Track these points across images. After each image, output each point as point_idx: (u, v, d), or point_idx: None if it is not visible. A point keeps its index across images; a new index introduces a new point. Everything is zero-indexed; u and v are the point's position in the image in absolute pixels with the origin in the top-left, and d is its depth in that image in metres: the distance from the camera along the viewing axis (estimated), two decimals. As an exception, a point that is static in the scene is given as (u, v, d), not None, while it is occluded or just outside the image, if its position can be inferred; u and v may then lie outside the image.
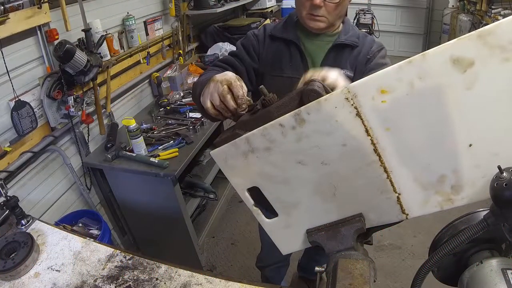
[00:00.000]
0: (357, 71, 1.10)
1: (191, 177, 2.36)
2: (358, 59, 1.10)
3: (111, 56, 2.04)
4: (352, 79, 1.03)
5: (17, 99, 1.51)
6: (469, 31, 3.24)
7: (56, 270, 0.96)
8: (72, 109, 1.71)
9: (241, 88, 0.75)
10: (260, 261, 1.79)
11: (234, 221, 2.63)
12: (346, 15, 1.17)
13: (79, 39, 1.78)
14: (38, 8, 1.52)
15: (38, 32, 1.61)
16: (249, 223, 2.54)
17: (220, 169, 0.74)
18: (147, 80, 2.54)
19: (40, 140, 1.67)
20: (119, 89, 2.20)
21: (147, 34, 2.43)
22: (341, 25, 1.15)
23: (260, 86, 0.70)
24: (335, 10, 1.03)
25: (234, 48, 3.07)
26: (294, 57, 1.12)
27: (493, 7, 3.30)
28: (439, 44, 0.51)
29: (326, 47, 1.11)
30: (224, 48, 2.86)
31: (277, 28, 1.17)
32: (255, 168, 0.68)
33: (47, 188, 1.75)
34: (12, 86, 1.49)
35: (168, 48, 2.68)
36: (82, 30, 1.77)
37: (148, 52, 2.39)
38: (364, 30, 4.74)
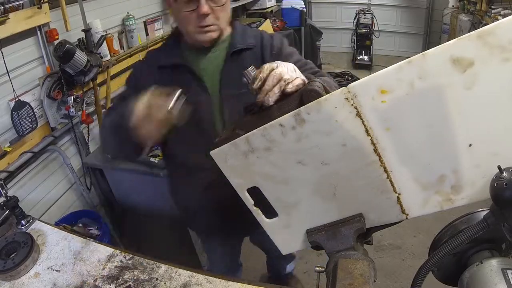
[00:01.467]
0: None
1: (191, 177, 2.35)
2: (263, 59, 1.00)
3: (111, 56, 2.04)
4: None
5: (17, 99, 1.51)
6: (469, 31, 3.23)
7: (56, 270, 0.96)
8: (72, 109, 1.71)
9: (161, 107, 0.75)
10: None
11: (234, 221, 2.63)
12: (232, 15, 1.06)
13: (79, 39, 1.78)
14: (38, 8, 1.52)
15: (38, 32, 1.61)
16: (249, 223, 2.53)
17: (220, 169, 0.74)
18: (147, 80, 2.54)
19: (40, 140, 1.67)
20: (119, 89, 2.20)
21: (147, 34, 2.43)
22: (229, 28, 1.05)
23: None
24: (223, 13, 0.96)
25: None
26: (187, 82, 0.97)
27: (493, 7, 3.30)
28: (439, 44, 0.51)
29: (221, 59, 1.00)
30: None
31: (160, 55, 1.05)
32: (255, 168, 0.68)
33: (47, 188, 1.75)
34: (12, 86, 1.49)
35: (168, 48, 2.68)
36: (82, 30, 1.77)
37: (148, 52, 2.39)
38: (364, 30, 4.77)
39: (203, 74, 1.00)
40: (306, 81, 0.70)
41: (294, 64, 0.76)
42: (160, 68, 1.01)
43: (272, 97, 0.67)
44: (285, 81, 0.67)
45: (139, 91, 0.88)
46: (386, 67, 0.55)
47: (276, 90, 0.67)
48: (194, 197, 1.15)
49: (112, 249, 1.01)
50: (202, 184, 1.07)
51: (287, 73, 0.69)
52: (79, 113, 1.78)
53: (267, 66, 0.70)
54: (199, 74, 1.00)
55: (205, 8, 0.90)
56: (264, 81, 0.68)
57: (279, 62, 0.72)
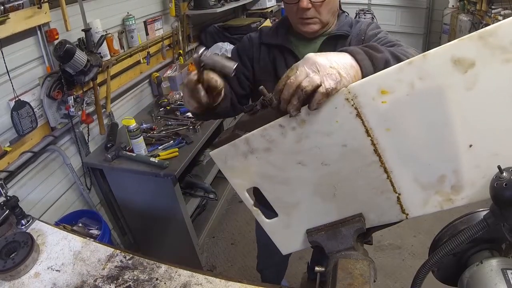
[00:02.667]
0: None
1: (191, 177, 2.35)
2: (352, 45, 1.00)
3: (111, 56, 2.04)
4: None
5: (17, 99, 1.51)
6: (469, 31, 3.24)
7: (56, 270, 0.96)
8: (72, 109, 1.71)
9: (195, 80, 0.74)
10: (259, 264, 1.79)
11: (234, 221, 2.63)
12: (340, 9, 1.10)
13: (79, 39, 1.78)
14: (38, 8, 1.52)
15: (38, 32, 1.61)
16: (249, 223, 2.54)
17: (220, 169, 0.74)
18: (147, 80, 2.54)
19: (40, 140, 1.67)
20: (119, 89, 2.20)
21: (147, 34, 2.43)
22: (335, 21, 1.07)
23: (260, 87, 0.70)
24: (325, 7, 0.98)
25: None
26: (289, 64, 1.02)
27: (493, 7, 3.29)
28: (439, 44, 0.52)
29: (319, 44, 1.06)
30: (224, 48, 2.85)
31: (269, 34, 1.13)
32: (255, 169, 0.68)
33: (47, 188, 1.75)
34: (12, 86, 1.49)
35: (168, 48, 2.68)
36: (82, 30, 1.77)
37: (148, 52, 2.39)
38: (364, 30, 4.76)
39: (301, 56, 1.04)
40: (329, 82, 0.58)
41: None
42: (263, 44, 1.11)
43: (292, 109, 0.59)
44: (302, 89, 0.57)
45: (242, 59, 1.11)
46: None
47: (295, 101, 0.59)
48: None
49: (112, 249, 1.01)
50: None
51: (307, 77, 0.58)
52: (79, 113, 1.77)
53: (286, 73, 0.61)
54: (299, 57, 1.01)
55: (304, 3, 0.94)
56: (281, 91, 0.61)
57: (302, 63, 0.61)
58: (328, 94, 0.57)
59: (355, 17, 4.91)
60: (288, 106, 0.60)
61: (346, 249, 0.68)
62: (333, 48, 0.98)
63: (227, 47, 2.87)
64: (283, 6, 3.92)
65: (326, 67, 0.58)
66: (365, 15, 4.76)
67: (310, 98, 0.58)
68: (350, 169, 0.63)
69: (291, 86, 0.58)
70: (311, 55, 0.60)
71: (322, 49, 1.05)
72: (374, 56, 0.65)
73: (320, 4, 0.96)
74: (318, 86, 0.56)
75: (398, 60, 0.67)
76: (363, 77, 0.61)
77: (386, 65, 0.65)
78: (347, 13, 1.13)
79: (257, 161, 0.67)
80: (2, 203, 1.10)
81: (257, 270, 1.82)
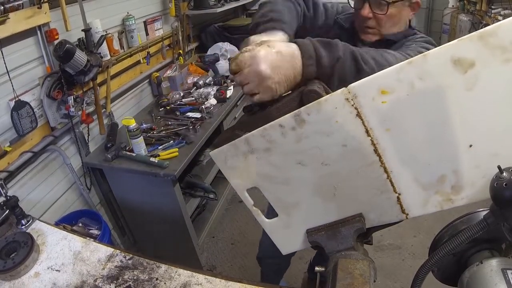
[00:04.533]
0: None
1: (191, 177, 2.35)
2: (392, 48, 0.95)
3: (111, 56, 2.04)
4: None
5: (17, 99, 1.51)
6: (469, 31, 3.24)
7: (56, 270, 0.96)
8: (72, 109, 1.71)
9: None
10: (260, 252, 1.72)
11: (234, 221, 2.63)
12: (409, 26, 1.03)
13: (79, 39, 1.78)
14: (38, 8, 1.52)
15: (38, 32, 1.61)
16: (249, 223, 2.54)
17: (220, 169, 0.74)
18: (147, 80, 2.54)
19: (40, 140, 1.67)
20: (119, 89, 2.20)
21: (147, 34, 2.43)
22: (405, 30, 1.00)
23: None
24: (388, 21, 0.94)
25: (234, 48, 3.05)
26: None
27: (493, 7, 3.29)
28: (439, 44, 0.51)
29: None
30: (224, 48, 2.86)
31: (345, 16, 1.09)
32: (255, 169, 0.68)
33: (47, 188, 1.75)
34: (12, 86, 1.49)
35: (168, 48, 2.68)
36: (82, 30, 1.77)
37: (148, 52, 2.39)
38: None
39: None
40: (264, 96, 0.65)
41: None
42: (339, 23, 1.07)
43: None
44: (241, 87, 0.66)
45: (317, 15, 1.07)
46: (386, 67, 0.54)
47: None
48: None
49: (112, 249, 1.01)
50: None
51: (246, 84, 0.64)
52: (79, 113, 1.78)
53: (239, 53, 0.65)
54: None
55: (365, 11, 0.93)
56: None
57: (249, 60, 0.63)
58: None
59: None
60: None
61: (346, 249, 0.68)
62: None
63: (227, 47, 2.87)
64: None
65: (269, 82, 0.63)
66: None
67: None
68: (350, 169, 0.63)
69: (233, 72, 0.65)
70: (259, 54, 0.62)
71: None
72: (320, 54, 0.65)
73: (383, 17, 0.93)
74: (255, 94, 0.65)
75: (356, 61, 0.66)
76: (303, 72, 0.65)
77: (337, 62, 0.66)
78: (418, 30, 1.04)
79: (257, 161, 0.67)
80: (2, 203, 1.10)
81: (257, 257, 1.76)
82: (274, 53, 0.63)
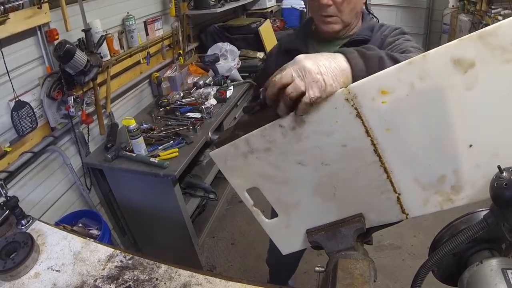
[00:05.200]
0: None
1: (191, 177, 2.35)
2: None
3: (111, 56, 2.04)
4: None
5: (17, 99, 1.51)
6: (469, 31, 3.24)
7: (56, 270, 0.96)
8: (72, 109, 1.71)
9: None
10: (271, 258, 1.70)
11: (234, 221, 2.63)
12: (366, 9, 1.06)
13: (79, 39, 1.78)
14: (38, 8, 1.52)
15: (38, 32, 1.60)
16: (249, 223, 2.54)
17: (220, 169, 0.74)
18: (147, 80, 2.54)
19: (40, 140, 1.67)
20: (119, 89, 2.20)
21: (147, 34, 2.43)
22: (359, 22, 1.02)
23: (260, 89, 0.70)
24: (347, 6, 0.93)
25: (234, 48, 3.05)
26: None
27: (493, 7, 3.30)
28: (439, 44, 0.51)
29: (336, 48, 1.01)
30: (224, 48, 2.86)
31: (288, 39, 1.12)
32: (255, 169, 0.68)
33: (47, 188, 1.75)
34: (12, 86, 1.49)
35: (168, 48, 2.68)
36: (82, 30, 1.77)
37: (148, 52, 2.39)
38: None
39: None
40: (314, 91, 0.56)
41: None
42: (285, 50, 1.07)
43: (280, 112, 0.60)
44: (287, 95, 0.57)
45: (266, 71, 1.05)
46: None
47: (281, 106, 0.60)
48: None
49: (112, 249, 1.01)
50: None
51: (292, 82, 0.57)
52: (79, 113, 1.77)
53: (275, 73, 0.61)
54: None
55: (325, 0, 0.91)
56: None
57: (290, 64, 0.60)
58: (313, 104, 0.57)
59: (355, 17, 4.91)
60: (277, 109, 0.60)
61: (346, 249, 0.68)
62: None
63: (227, 47, 2.88)
64: (283, 6, 3.93)
65: (313, 74, 0.56)
66: (365, 15, 4.76)
67: (296, 103, 0.58)
68: (350, 169, 0.63)
69: (274, 85, 0.58)
70: (300, 57, 0.59)
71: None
72: (367, 55, 0.63)
73: (342, 2, 0.92)
74: (303, 93, 0.56)
75: (394, 60, 0.64)
76: (353, 77, 0.60)
77: (380, 61, 0.63)
78: (372, 14, 1.08)
79: (257, 161, 0.67)
80: (2, 203, 1.10)
81: (268, 263, 1.76)
82: (314, 57, 0.59)
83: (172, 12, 2.61)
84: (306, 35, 1.09)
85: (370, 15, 1.08)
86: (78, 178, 1.88)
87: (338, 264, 0.65)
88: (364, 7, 1.03)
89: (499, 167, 0.51)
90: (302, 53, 0.93)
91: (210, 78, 2.59)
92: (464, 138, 0.55)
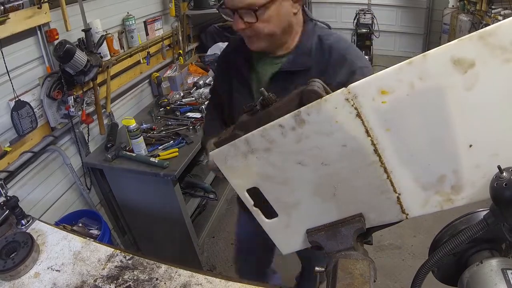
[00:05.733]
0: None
1: (191, 177, 2.35)
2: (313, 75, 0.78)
3: (111, 56, 2.04)
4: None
5: (17, 99, 1.51)
6: (469, 31, 3.25)
7: (56, 270, 0.96)
8: (72, 109, 1.71)
9: None
10: (240, 249, 1.67)
11: (234, 221, 2.62)
12: (304, 21, 0.96)
13: (79, 39, 1.78)
14: (38, 8, 1.52)
15: (38, 32, 1.61)
16: (249, 223, 2.54)
17: (220, 169, 0.74)
18: (147, 80, 2.54)
19: (40, 140, 1.67)
20: (119, 89, 2.20)
21: (147, 34, 2.43)
22: (296, 37, 0.95)
23: (261, 89, 0.70)
24: (266, 26, 0.86)
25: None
26: (239, 84, 1.03)
27: (493, 7, 3.30)
28: (439, 44, 0.52)
29: (271, 72, 0.97)
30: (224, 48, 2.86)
31: (232, 49, 1.12)
32: (255, 169, 0.68)
33: (47, 188, 1.75)
34: (12, 86, 1.49)
35: (168, 48, 2.68)
36: (82, 30, 1.77)
37: (148, 52, 2.39)
38: (364, 30, 4.76)
39: (254, 80, 1.02)
40: None
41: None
42: (226, 62, 1.12)
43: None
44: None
45: (218, 79, 1.21)
46: (386, 67, 0.54)
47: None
48: None
49: (112, 249, 1.01)
50: None
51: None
52: (79, 113, 1.77)
53: None
54: (252, 78, 1.02)
55: (238, 25, 0.87)
56: None
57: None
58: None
59: (355, 17, 4.92)
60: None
61: (346, 249, 0.68)
62: (290, 83, 0.90)
63: (227, 47, 2.88)
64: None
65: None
66: (365, 15, 4.76)
67: None
68: (350, 169, 0.63)
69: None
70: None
71: (277, 80, 0.95)
72: None
73: (258, 24, 0.85)
74: None
75: None
76: None
77: None
78: (315, 21, 0.98)
79: (257, 161, 0.67)
80: (2, 203, 1.10)
81: (236, 256, 1.74)
82: None
83: (172, 12, 2.61)
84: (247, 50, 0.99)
85: (313, 21, 0.98)
86: (78, 178, 1.88)
87: (338, 264, 0.65)
88: (301, 17, 0.95)
89: (499, 167, 0.51)
90: (240, 70, 1.05)
91: (210, 78, 2.59)
92: (464, 138, 0.55)
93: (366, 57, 4.85)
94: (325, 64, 0.91)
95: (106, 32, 1.99)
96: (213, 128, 1.16)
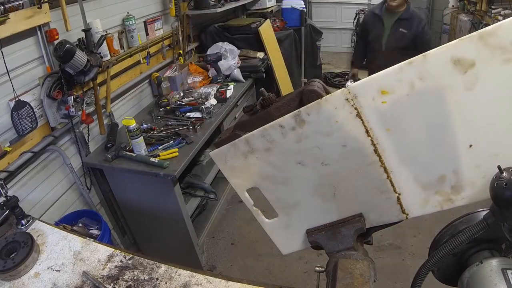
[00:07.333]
0: (411, 31, 2.42)
1: (191, 177, 2.35)
2: (412, 25, 2.43)
3: (111, 56, 2.04)
4: (408, 32, 2.44)
5: (17, 99, 1.51)
6: (469, 31, 3.25)
7: (56, 270, 0.96)
8: (72, 109, 1.71)
9: None
10: None
11: (234, 221, 2.63)
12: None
13: (79, 39, 1.78)
14: (38, 8, 1.52)
15: (38, 32, 1.60)
16: (249, 223, 2.54)
17: (220, 169, 0.74)
18: (147, 80, 2.54)
19: (40, 140, 1.67)
20: (119, 89, 2.20)
21: (147, 34, 2.43)
22: (405, 5, 2.41)
23: (261, 89, 0.70)
24: None
25: (233, 47, 3.08)
26: (378, 26, 2.57)
27: (493, 7, 3.30)
28: (439, 44, 0.51)
29: (395, 19, 2.45)
30: (224, 48, 2.86)
31: (375, 6, 2.61)
32: (255, 169, 0.68)
33: (47, 188, 1.75)
34: (12, 86, 1.49)
35: (168, 48, 2.68)
36: (82, 30, 1.77)
37: (148, 52, 2.39)
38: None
39: (384, 22, 2.54)
40: None
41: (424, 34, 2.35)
42: (373, 14, 2.64)
43: None
44: None
45: (364, 27, 2.81)
46: (386, 67, 0.54)
47: None
48: None
49: (112, 249, 1.01)
50: None
51: None
52: (79, 113, 1.77)
53: None
54: (384, 21, 2.53)
55: None
56: None
57: None
58: None
59: (355, 17, 4.95)
60: None
61: (346, 249, 0.68)
62: (402, 24, 2.45)
63: (227, 47, 2.88)
64: (283, 6, 3.93)
65: None
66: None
67: None
68: (350, 169, 0.63)
69: None
70: None
71: (395, 24, 2.47)
72: None
73: None
74: None
75: None
76: None
77: None
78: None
79: (257, 161, 0.67)
80: (2, 203, 1.10)
81: None
82: None
83: (172, 12, 2.61)
84: (382, 7, 2.54)
85: (409, 4, 2.44)
86: (78, 178, 1.88)
87: (338, 264, 0.65)
88: None
89: (499, 167, 0.51)
90: (378, 16, 2.69)
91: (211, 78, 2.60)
92: (464, 138, 0.55)
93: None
94: (418, 18, 2.44)
95: (106, 32, 1.99)
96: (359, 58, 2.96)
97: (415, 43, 2.46)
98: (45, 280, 0.93)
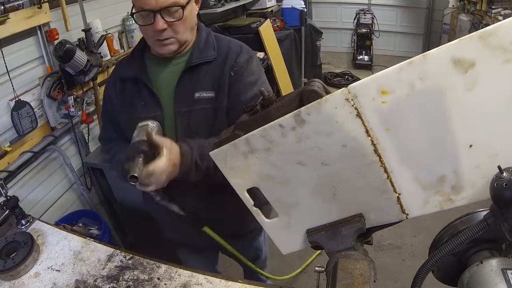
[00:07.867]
0: (221, 87, 0.98)
1: (191, 177, 2.35)
2: (221, 72, 0.98)
3: (111, 56, 2.04)
4: (215, 99, 0.98)
5: (17, 99, 1.51)
6: (469, 31, 3.25)
7: (56, 270, 0.96)
8: (72, 109, 1.71)
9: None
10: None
11: (234, 221, 2.63)
12: (198, 19, 1.06)
13: (79, 39, 1.79)
14: (38, 8, 1.52)
15: (38, 32, 1.61)
16: (249, 223, 2.53)
17: (220, 169, 0.74)
18: (147, 80, 2.54)
19: (40, 140, 1.67)
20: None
21: (147, 34, 2.43)
22: (195, 35, 1.02)
23: (261, 89, 0.70)
24: (182, 26, 0.92)
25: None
26: (144, 96, 1.01)
27: (493, 7, 3.30)
28: (439, 44, 0.52)
29: (179, 71, 0.99)
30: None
31: (123, 66, 1.09)
32: (255, 169, 0.68)
33: (47, 188, 1.75)
34: (12, 86, 1.49)
35: (168, 48, 2.68)
36: (82, 30, 1.77)
37: (148, 52, 2.39)
38: (364, 30, 4.76)
39: (159, 89, 1.01)
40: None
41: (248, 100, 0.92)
42: (122, 79, 1.05)
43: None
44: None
45: (108, 104, 1.09)
46: (386, 67, 0.54)
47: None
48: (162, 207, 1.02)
49: (112, 249, 1.01)
50: (168, 193, 1.02)
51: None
52: (79, 112, 1.78)
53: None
54: (155, 89, 1.00)
55: (159, 24, 0.88)
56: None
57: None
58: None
59: (355, 17, 4.93)
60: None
61: (346, 249, 0.68)
62: (196, 76, 0.98)
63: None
64: (283, 6, 3.93)
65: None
66: (365, 15, 4.77)
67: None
68: (350, 169, 0.63)
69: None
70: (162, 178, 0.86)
71: (183, 77, 0.99)
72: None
73: (178, 23, 0.91)
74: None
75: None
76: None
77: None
78: (206, 27, 1.08)
79: (257, 161, 0.67)
80: (2, 203, 1.10)
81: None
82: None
83: (172, 12, 2.61)
84: (141, 59, 1.05)
85: (202, 24, 1.08)
86: (78, 178, 1.88)
87: (338, 264, 0.65)
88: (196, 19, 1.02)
89: (499, 167, 0.51)
90: (140, 80, 1.02)
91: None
92: (464, 138, 0.55)
93: (366, 57, 4.90)
94: (225, 53, 1.00)
95: (106, 32, 1.99)
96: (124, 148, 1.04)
97: None
98: (45, 280, 0.93)
